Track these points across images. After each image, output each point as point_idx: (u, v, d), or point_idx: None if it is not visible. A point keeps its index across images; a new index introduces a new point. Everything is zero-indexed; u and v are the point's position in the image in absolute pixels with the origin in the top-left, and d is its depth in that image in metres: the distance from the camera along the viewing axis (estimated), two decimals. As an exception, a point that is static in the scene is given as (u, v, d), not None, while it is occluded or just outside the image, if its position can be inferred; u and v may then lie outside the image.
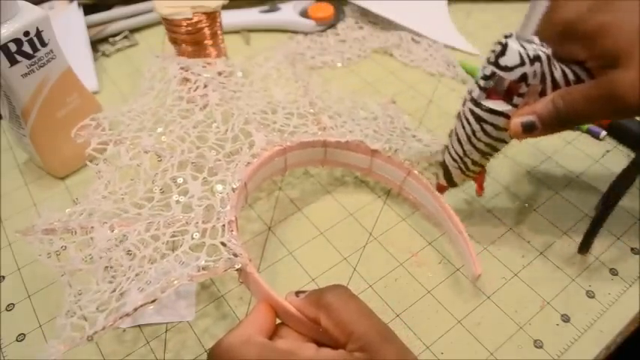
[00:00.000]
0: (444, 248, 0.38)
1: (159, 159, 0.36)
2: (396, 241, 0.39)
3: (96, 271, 0.30)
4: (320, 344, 0.26)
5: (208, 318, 0.35)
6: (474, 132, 0.34)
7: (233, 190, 0.34)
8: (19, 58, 0.37)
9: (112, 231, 0.31)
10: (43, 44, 0.38)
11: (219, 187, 0.34)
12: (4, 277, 0.38)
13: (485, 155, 0.35)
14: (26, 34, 0.37)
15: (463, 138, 0.35)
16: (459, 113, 0.34)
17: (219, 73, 0.43)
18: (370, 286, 0.36)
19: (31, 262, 0.39)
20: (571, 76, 0.32)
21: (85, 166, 0.36)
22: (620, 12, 0.29)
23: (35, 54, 0.38)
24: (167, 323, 0.35)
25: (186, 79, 0.41)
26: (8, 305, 0.36)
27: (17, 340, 0.34)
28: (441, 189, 0.39)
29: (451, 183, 0.38)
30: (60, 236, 0.31)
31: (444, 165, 0.37)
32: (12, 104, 0.40)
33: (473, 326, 0.34)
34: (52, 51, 0.39)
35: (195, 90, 0.40)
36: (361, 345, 0.24)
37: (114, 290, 0.29)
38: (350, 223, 0.40)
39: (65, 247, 0.31)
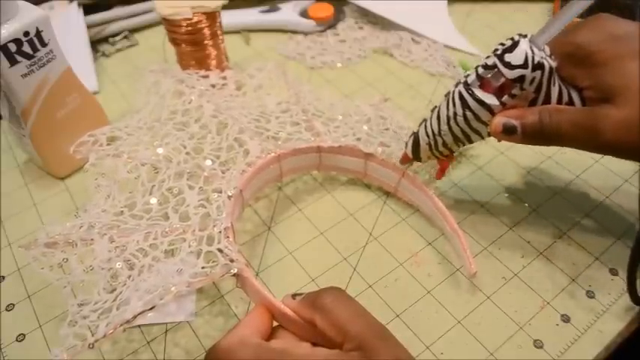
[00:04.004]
0: (443, 248, 0.38)
1: (155, 171, 0.36)
2: (395, 241, 0.39)
3: (97, 282, 0.31)
4: (317, 346, 0.26)
5: (208, 318, 0.35)
6: (455, 114, 0.33)
7: (229, 197, 0.35)
8: (19, 58, 0.37)
9: (112, 242, 0.32)
10: (43, 44, 0.38)
11: (214, 196, 0.35)
12: (4, 277, 0.38)
13: (458, 142, 0.35)
14: (26, 34, 0.37)
15: (443, 117, 0.34)
16: (448, 92, 0.34)
17: (213, 86, 0.44)
18: (370, 286, 0.36)
19: (32, 262, 0.39)
20: (565, 98, 0.32)
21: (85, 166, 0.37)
22: (631, 53, 0.30)
23: (35, 54, 0.38)
24: (167, 323, 0.35)
25: (181, 92, 0.42)
26: (8, 305, 0.36)
27: (17, 340, 0.34)
28: (405, 160, 0.39)
29: (416, 156, 0.38)
30: (61, 249, 0.32)
31: (415, 136, 0.37)
32: (12, 104, 0.40)
33: (473, 326, 0.34)
34: (51, 51, 0.39)
35: (189, 102, 0.41)
36: (357, 344, 0.24)
37: (114, 299, 0.29)
38: (350, 223, 0.40)
39: (67, 259, 0.31)
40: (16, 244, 0.40)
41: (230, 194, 0.35)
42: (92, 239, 0.32)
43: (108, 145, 0.38)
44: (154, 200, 0.35)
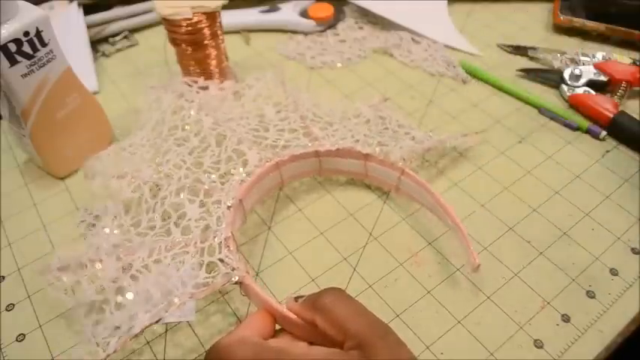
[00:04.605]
0: (443, 248, 0.38)
1: (158, 188, 0.37)
2: (396, 241, 0.39)
3: (108, 300, 0.32)
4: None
5: (208, 318, 0.35)
6: None
7: (228, 208, 0.36)
8: (19, 58, 0.37)
9: (119, 260, 0.33)
10: (43, 44, 0.38)
11: (214, 207, 0.36)
12: (4, 277, 0.38)
13: None
14: (26, 34, 0.37)
15: None
16: None
17: (212, 98, 0.44)
18: (370, 286, 0.36)
19: (31, 262, 0.39)
20: None
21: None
22: None
23: (35, 54, 0.38)
24: (167, 323, 0.35)
25: (181, 107, 0.43)
26: (8, 305, 0.36)
27: (17, 340, 0.34)
28: None
29: None
30: (73, 271, 0.33)
31: None
32: (12, 104, 0.40)
33: (473, 326, 0.34)
34: (51, 51, 0.39)
35: (189, 117, 0.42)
36: (356, 342, 0.24)
37: (123, 316, 0.30)
38: (350, 223, 0.40)
39: (79, 281, 0.32)
40: (16, 245, 0.40)
41: (229, 205, 0.36)
42: (101, 260, 0.33)
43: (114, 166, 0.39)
44: (157, 217, 0.36)
